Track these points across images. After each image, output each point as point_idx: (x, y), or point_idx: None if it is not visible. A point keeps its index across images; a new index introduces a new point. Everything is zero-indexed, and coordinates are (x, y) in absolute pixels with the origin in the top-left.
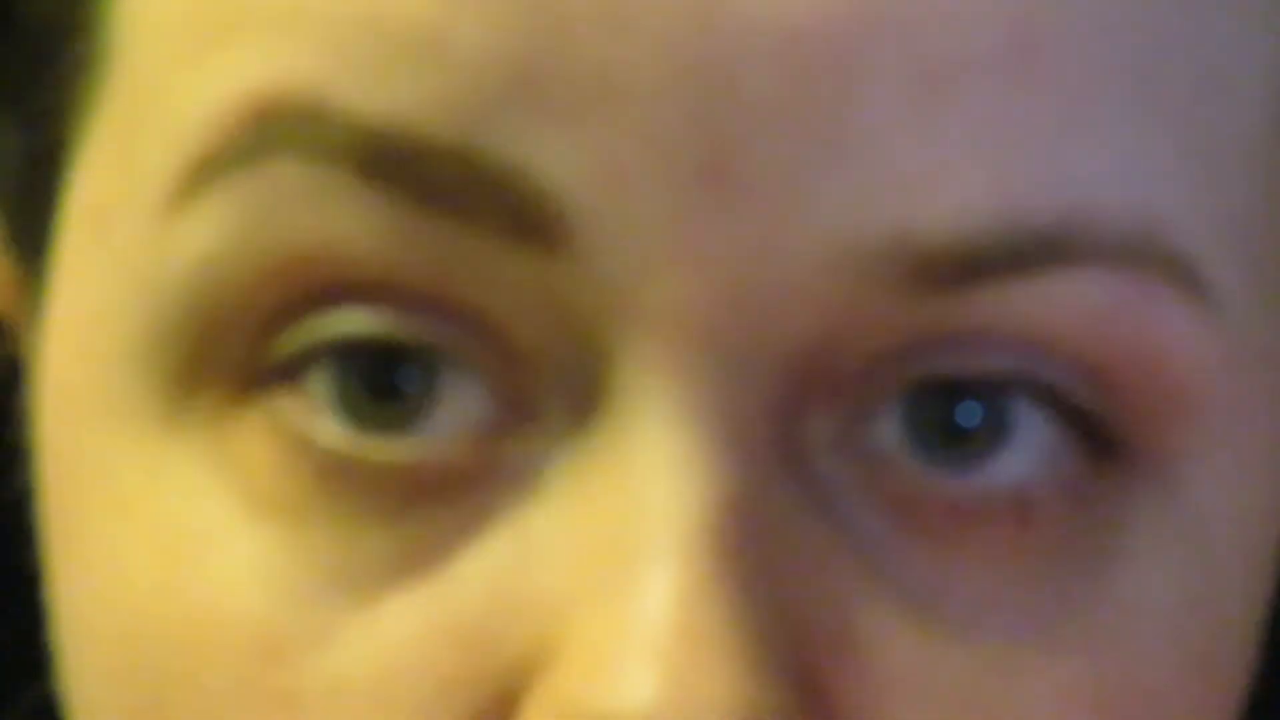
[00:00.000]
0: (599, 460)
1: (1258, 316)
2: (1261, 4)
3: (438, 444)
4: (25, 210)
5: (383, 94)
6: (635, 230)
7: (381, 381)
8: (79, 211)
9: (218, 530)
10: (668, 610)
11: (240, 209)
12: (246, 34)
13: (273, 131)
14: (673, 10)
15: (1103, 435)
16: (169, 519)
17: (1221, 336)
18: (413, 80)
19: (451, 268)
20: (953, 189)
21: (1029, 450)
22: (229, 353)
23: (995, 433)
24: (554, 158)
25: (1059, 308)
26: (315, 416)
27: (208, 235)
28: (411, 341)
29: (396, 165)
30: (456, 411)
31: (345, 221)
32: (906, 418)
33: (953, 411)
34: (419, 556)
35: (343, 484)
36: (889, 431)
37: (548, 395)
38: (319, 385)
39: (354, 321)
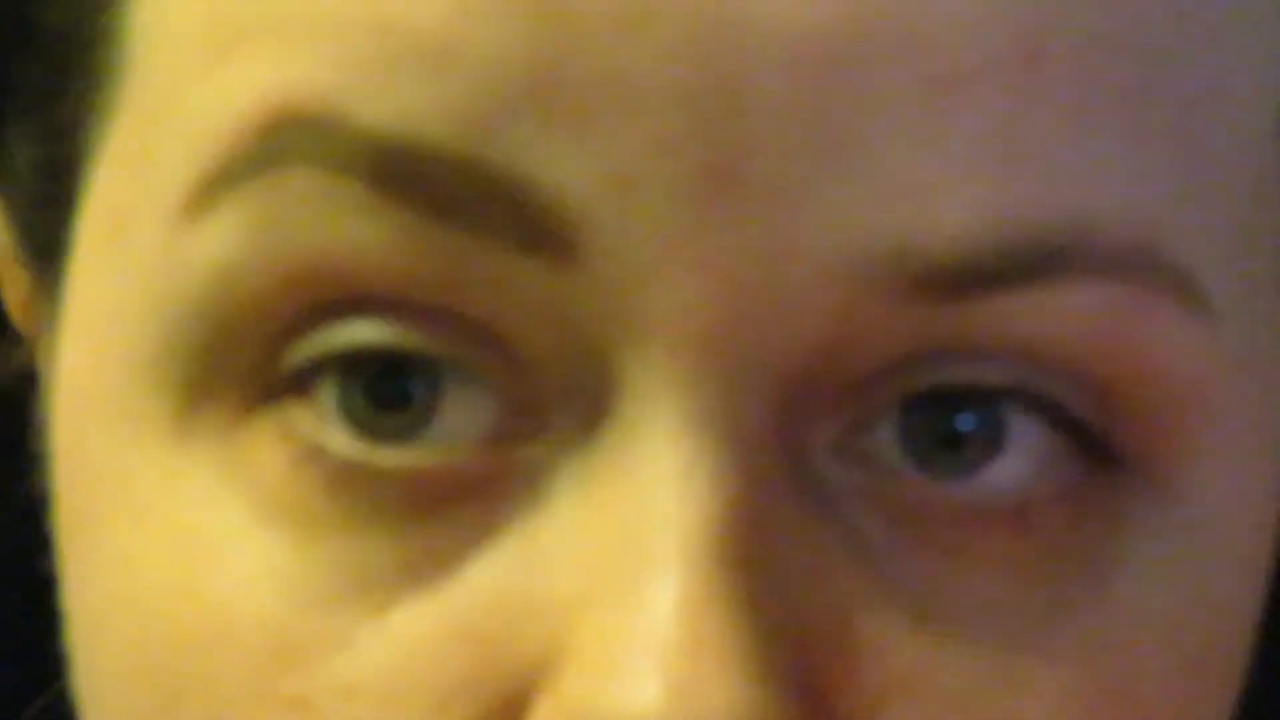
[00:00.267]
0: (606, 467)
1: (1252, 325)
2: (1256, 17)
3: (446, 452)
4: (41, 221)
5: (393, 104)
6: (640, 239)
7: (389, 390)
8: (94, 221)
9: (231, 536)
10: (673, 616)
11: (253, 218)
12: (259, 45)
13: (285, 142)
14: (680, 20)
15: (1100, 444)
16: (183, 525)
17: (1217, 346)
18: (423, 91)
19: (460, 278)
20: (954, 201)
21: (1027, 458)
22: (241, 362)
23: (993, 441)
24: (561, 168)
25: (1057, 319)
26: (325, 425)
27: (221, 244)
28: (419, 350)
29: (406, 175)
30: (464, 420)
31: (356, 231)
32: (906, 426)
33: (952, 419)
34: (429, 562)
35: (353, 491)
36: (889, 439)
37: (555, 403)
38: (328, 395)
39: (363, 332)
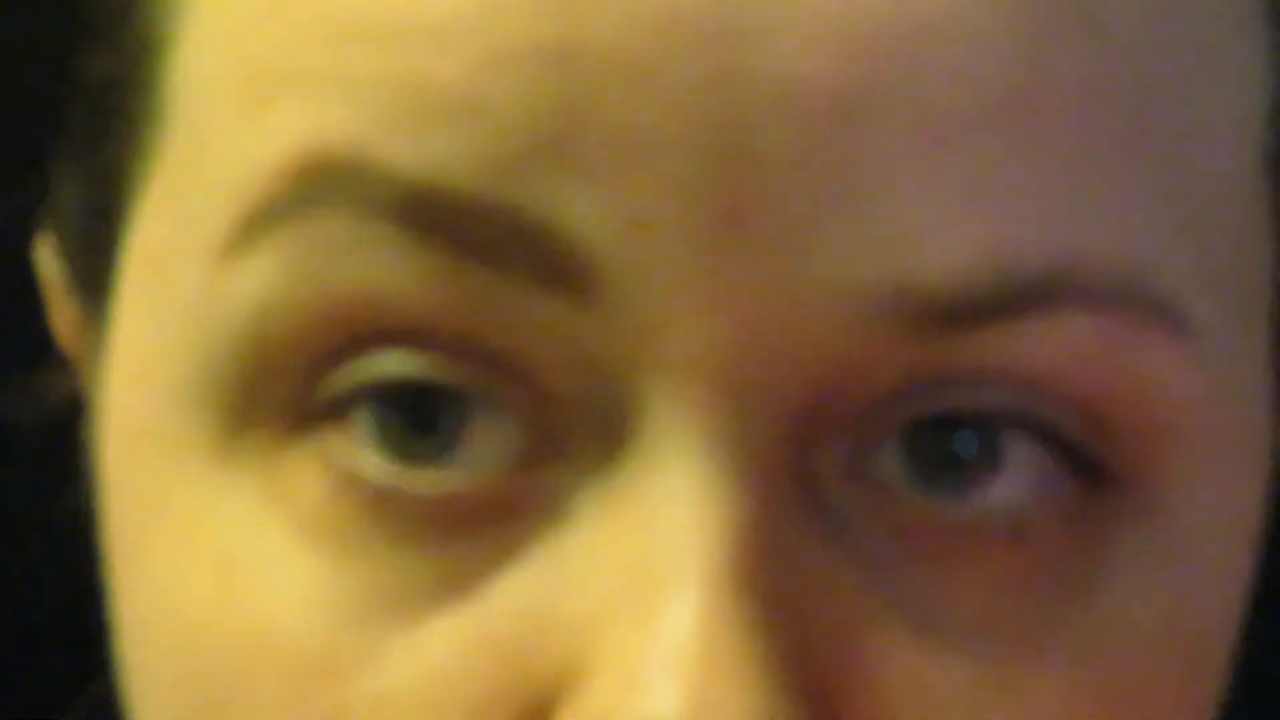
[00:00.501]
0: (625, 491)
1: (1235, 350)
2: (1238, 57)
3: (473, 476)
4: (88, 258)
5: (421, 152)
6: (657, 279)
7: (420, 419)
8: (138, 259)
9: (271, 556)
10: (691, 631)
11: (289, 258)
12: (294, 94)
13: (319, 186)
14: (692, 75)
15: (1092, 464)
16: (225, 545)
17: (1202, 371)
18: (449, 139)
19: (485, 315)
20: (952, 240)
21: (1022, 478)
22: (279, 393)
23: (990, 462)
24: (581, 212)
25: (1050, 348)
26: (360, 451)
27: (259, 283)
28: (447, 382)
29: (434, 218)
30: (490, 446)
31: (386, 271)
32: (908, 449)
33: (951, 443)
34: (459, 580)
35: (386, 514)
36: (892, 462)
37: (576, 431)
38: (362, 423)
39: (394, 364)
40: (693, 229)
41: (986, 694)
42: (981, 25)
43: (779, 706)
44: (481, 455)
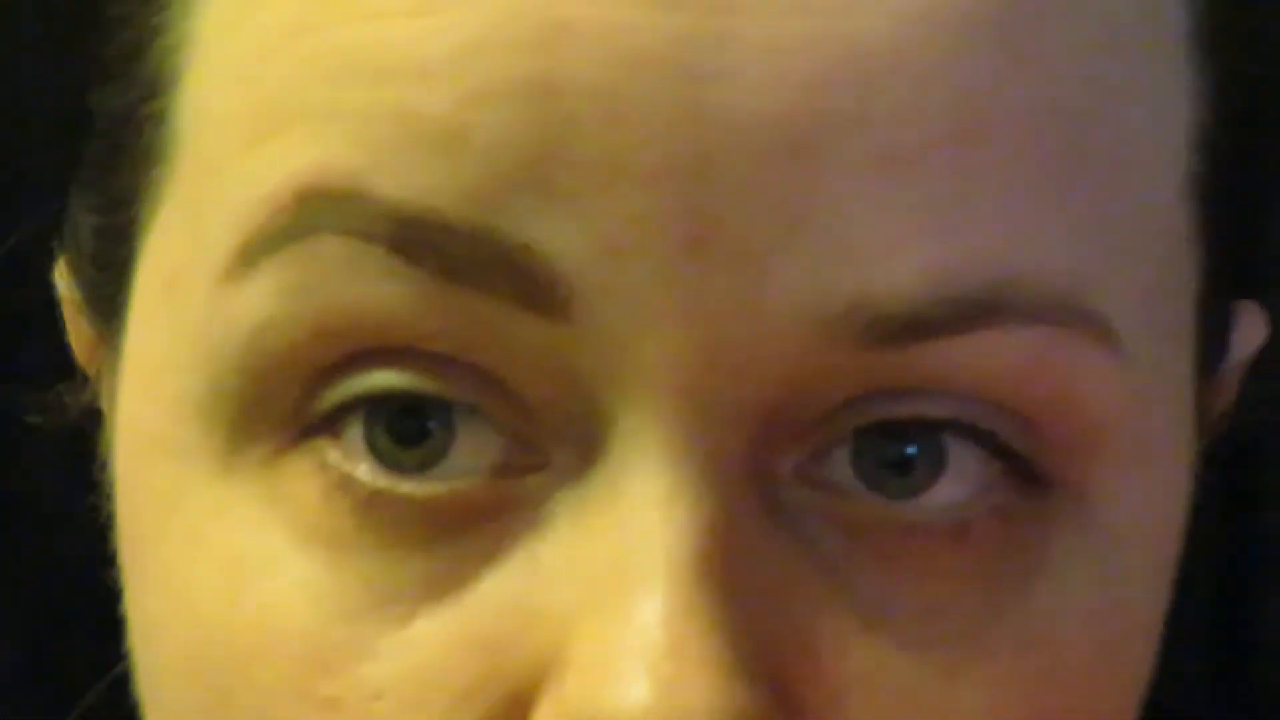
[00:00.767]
0: (599, 496)
1: (1160, 363)
2: (1165, 88)
3: (459, 482)
4: (102, 279)
5: (410, 182)
6: (628, 300)
7: (409, 429)
8: (149, 280)
9: (272, 557)
10: (659, 626)
11: (288, 280)
12: (293, 129)
13: (315, 213)
14: (661, 110)
15: (1028, 468)
16: (229, 548)
17: (1130, 382)
18: (436, 169)
19: (470, 333)
20: (899, 262)
21: (964, 481)
22: (278, 406)
23: (934, 466)
24: (559, 237)
25: (990, 361)
26: (353, 459)
27: (260, 303)
28: (435, 394)
29: (422, 243)
30: (474, 454)
31: (378, 292)
32: (859, 453)
33: (899, 448)
34: (445, 579)
35: (378, 517)
36: (844, 465)
37: (554, 440)
38: (356, 433)
39: (385, 378)
40: (660, 254)
41: (932, 680)
42: (928, 63)
43: (742, 694)
44: (466, 463)
